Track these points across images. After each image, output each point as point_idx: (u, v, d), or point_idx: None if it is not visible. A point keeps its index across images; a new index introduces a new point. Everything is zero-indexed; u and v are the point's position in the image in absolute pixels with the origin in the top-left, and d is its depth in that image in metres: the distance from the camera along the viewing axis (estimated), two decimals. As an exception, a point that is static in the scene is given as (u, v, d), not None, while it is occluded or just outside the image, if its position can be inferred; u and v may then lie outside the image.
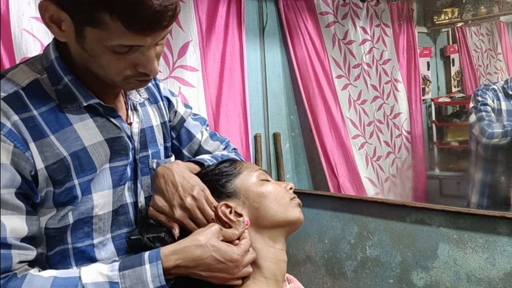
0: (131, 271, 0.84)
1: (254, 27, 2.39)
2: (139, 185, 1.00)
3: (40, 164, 0.84)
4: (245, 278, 0.93)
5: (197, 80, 2.07)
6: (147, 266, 0.84)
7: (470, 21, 3.51)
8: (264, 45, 2.44)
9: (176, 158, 1.13)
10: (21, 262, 0.82)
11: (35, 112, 0.85)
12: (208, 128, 1.23)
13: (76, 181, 0.88)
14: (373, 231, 2.04)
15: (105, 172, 0.92)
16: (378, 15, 3.05)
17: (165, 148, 1.11)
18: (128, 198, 0.98)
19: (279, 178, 2.50)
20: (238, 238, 0.93)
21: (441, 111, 3.72)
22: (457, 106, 3.71)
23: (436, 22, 3.54)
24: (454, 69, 3.73)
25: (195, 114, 1.22)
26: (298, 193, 1.08)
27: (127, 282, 0.83)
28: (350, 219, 2.12)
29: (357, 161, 2.74)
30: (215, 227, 0.91)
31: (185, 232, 0.94)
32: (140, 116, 1.02)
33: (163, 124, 1.11)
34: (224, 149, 1.22)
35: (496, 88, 2.47)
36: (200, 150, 1.18)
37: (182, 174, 0.97)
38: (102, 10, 0.78)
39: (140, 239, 0.93)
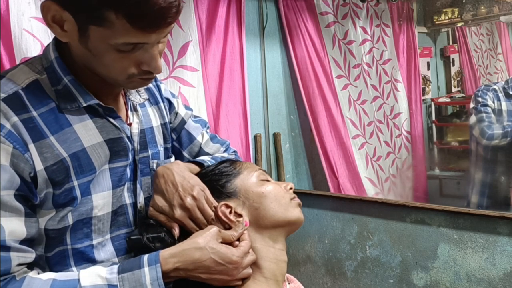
0: (130, 274, 0.83)
1: (254, 27, 2.39)
2: (138, 185, 1.00)
3: (39, 166, 0.84)
4: (245, 279, 0.93)
5: (197, 80, 2.06)
6: (146, 269, 0.84)
7: (470, 21, 3.50)
8: (264, 45, 2.43)
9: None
10: (20, 264, 0.82)
11: (34, 113, 0.85)
12: (208, 130, 1.23)
13: (75, 182, 0.88)
14: (373, 231, 2.04)
15: (104, 173, 0.92)
16: (378, 15, 3.04)
17: (165, 149, 1.11)
18: (127, 199, 0.98)
19: (279, 178, 2.50)
20: (238, 240, 0.93)
21: (441, 111, 3.71)
22: (457, 106, 3.71)
23: (436, 22, 3.53)
24: (454, 69, 3.73)
25: (195, 116, 1.22)
26: (298, 193, 1.08)
27: (126, 285, 0.83)
28: (350, 219, 2.12)
29: (357, 161, 2.74)
30: (214, 229, 0.91)
31: (185, 232, 0.94)
32: (140, 116, 1.02)
33: (164, 125, 1.10)
34: (224, 151, 1.22)
35: (496, 88, 2.46)
36: (200, 152, 1.18)
37: (182, 174, 0.97)
38: (107, 8, 0.78)
39: (140, 239, 0.93)
